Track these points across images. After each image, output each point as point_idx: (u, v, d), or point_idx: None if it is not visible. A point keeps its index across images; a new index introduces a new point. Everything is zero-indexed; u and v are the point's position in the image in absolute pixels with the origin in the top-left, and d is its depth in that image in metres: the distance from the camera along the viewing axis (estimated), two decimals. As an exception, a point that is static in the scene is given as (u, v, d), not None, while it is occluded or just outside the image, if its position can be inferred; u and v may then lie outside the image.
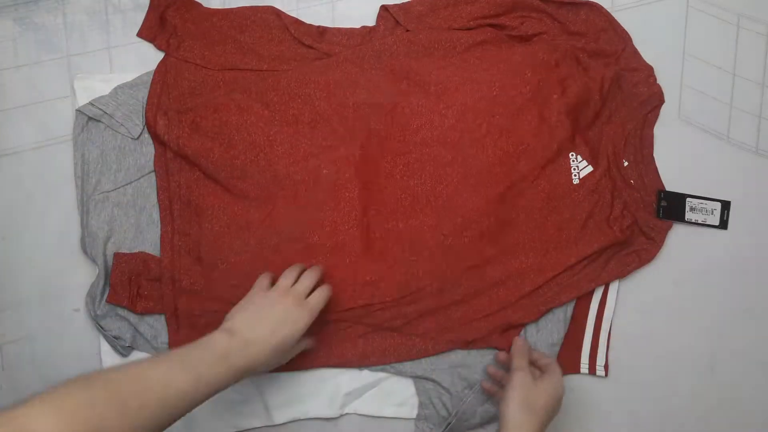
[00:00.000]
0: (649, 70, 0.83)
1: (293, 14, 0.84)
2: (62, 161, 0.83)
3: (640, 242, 0.83)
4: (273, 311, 0.71)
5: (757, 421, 0.84)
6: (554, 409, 0.71)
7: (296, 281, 0.75)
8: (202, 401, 0.63)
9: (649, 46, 0.83)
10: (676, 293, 0.84)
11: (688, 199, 0.83)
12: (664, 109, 0.84)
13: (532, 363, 0.76)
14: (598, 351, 0.83)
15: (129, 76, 0.83)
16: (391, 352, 0.81)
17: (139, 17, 0.84)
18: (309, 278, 0.75)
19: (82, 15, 0.84)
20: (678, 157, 0.84)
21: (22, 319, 0.83)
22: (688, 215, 0.83)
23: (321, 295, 0.75)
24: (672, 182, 0.83)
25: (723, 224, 0.84)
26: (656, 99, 0.83)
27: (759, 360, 0.84)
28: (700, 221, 0.83)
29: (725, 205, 0.83)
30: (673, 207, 0.83)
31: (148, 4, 0.84)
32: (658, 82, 0.84)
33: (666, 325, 0.84)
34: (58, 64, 0.84)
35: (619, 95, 0.83)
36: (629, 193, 0.82)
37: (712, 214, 0.83)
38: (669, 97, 0.84)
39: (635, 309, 0.83)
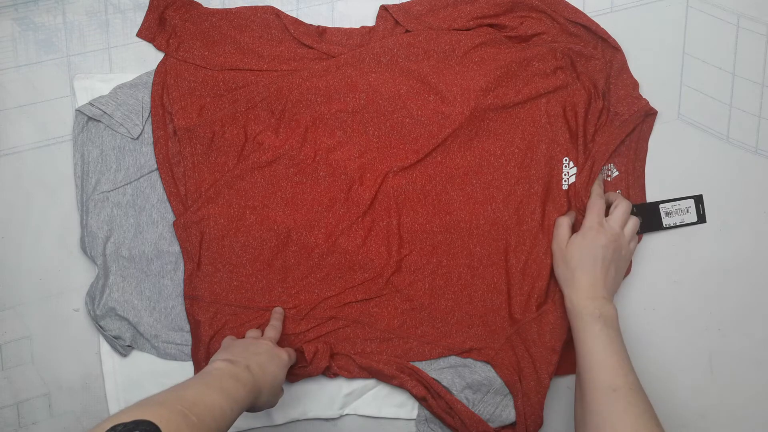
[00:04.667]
0: (635, 84, 0.82)
1: (293, 14, 0.84)
2: (62, 161, 0.83)
3: None
4: (258, 347, 0.72)
5: (757, 421, 0.84)
6: (588, 263, 0.74)
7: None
8: (233, 421, 0.62)
9: (648, 46, 0.83)
10: (676, 293, 0.84)
11: (661, 206, 0.82)
12: (665, 109, 0.84)
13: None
14: (598, 351, 0.83)
15: (128, 76, 0.83)
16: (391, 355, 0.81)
17: (139, 17, 0.84)
18: (274, 328, 0.77)
19: (82, 15, 0.84)
20: (677, 157, 0.84)
21: (22, 319, 0.83)
22: (666, 221, 0.83)
23: (291, 350, 0.77)
24: (671, 183, 0.83)
25: (701, 218, 0.83)
26: (644, 111, 0.82)
27: (758, 360, 0.84)
28: (678, 223, 0.83)
29: (698, 200, 0.83)
30: (649, 219, 0.82)
31: (147, 4, 0.84)
32: (645, 96, 0.82)
33: (666, 325, 0.84)
34: (57, 64, 0.84)
35: (611, 105, 0.82)
36: None
37: (687, 212, 0.83)
38: (668, 97, 0.84)
39: (635, 309, 0.83)
